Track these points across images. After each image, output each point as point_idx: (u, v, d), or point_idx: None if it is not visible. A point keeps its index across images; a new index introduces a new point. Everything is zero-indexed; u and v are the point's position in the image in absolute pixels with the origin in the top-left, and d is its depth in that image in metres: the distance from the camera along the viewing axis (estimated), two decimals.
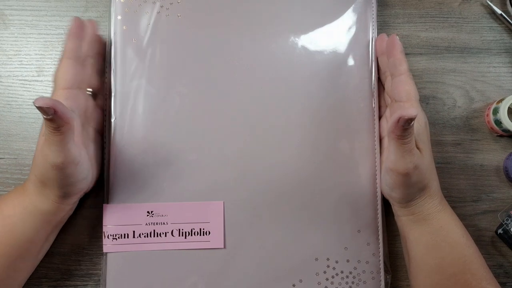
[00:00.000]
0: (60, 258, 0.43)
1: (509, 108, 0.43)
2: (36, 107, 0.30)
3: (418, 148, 0.37)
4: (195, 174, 0.42)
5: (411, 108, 0.34)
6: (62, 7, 0.46)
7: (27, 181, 0.38)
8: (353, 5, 0.44)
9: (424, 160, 0.37)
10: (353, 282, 0.42)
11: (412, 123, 0.33)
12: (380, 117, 0.43)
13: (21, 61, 0.45)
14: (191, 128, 0.42)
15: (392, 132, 0.34)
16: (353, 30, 0.44)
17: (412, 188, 0.37)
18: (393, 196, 0.39)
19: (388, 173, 0.38)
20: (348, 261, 0.42)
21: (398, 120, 0.32)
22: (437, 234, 0.38)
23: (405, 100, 0.38)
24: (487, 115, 0.45)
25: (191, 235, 0.41)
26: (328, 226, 0.42)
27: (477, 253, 0.38)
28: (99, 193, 0.44)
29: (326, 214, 0.42)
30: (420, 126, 0.38)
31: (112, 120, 0.42)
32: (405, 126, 0.33)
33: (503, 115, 0.42)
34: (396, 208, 0.40)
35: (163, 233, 0.41)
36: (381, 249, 0.42)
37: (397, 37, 0.39)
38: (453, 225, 0.38)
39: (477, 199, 0.45)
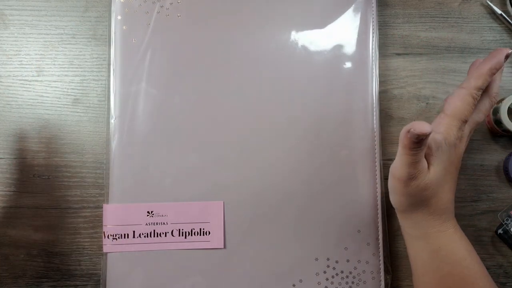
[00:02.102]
0: (60, 258, 0.43)
1: (509, 108, 0.43)
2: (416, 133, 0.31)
3: (428, 162, 0.35)
4: (195, 174, 0.42)
5: (425, 125, 0.30)
6: (62, 7, 0.46)
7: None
8: (353, 5, 0.44)
9: (428, 177, 0.35)
10: (353, 282, 0.42)
11: (423, 138, 0.31)
12: None
13: (21, 61, 0.45)
14: (191, 128, 0.42)
15: (401, 139, 0.33)
16: (353, 30, 0.44)
17: (407, 198, 0.36)
18: (391, 200, 0.38)
19: (390, 174, 0.37)
20: (348, 261, 0.42)
21: (409, 131, 0.31)
22: (436, 254, 0.37)
23: (447, 114, 0.36)
24: (487, 115, 0.45)
25: (191, 235, 0.41)
26: (328, 226, 0.42)
27: (479, 273, 0.37)
28: (99, 193, 0.44)
29: (326, 214, 0.42)
30: (445, 145, 0.35)
31: (112, 120, 0.42)
32: (413, 139, 0.31)
33: (503, 115, 0.42)
34: (398, 217, 0.40)
35: (163, 233, 0.41)
36: (381, 249, 0.42)
37: (480, 59, 0.36)
38: (454, 247, 0.37)
39: (477, 199, 0.45)
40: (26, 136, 0.45)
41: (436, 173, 0.35)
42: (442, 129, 0.35)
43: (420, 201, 0.36)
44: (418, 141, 0.31)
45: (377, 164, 0.42)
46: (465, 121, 0.36)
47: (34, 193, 0.44)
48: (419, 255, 0.38)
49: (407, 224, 0.39)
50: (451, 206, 0.38)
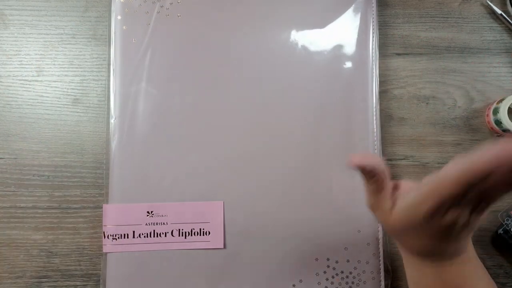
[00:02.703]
0: (60, 258, 0.43)
1: (509, 108, 0.43)
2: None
3: (394, 203, 0.29)
4: (195, 174, 0.42)
5: (357, 156, 0.30)
6: (62, 7, 0.46)
7: None
8: (353, 5, 0.44)
9: (390, 217, 0.29)
10: (353, 282, 0.42)
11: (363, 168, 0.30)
12: None
13: (21, 61, 0.45)
14: (191, 128, 0.42)
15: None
16: (353, 30, 0.44)
17: (384, 226, 0.31)
18: None
19: None
20: (348, 261, 0.42)
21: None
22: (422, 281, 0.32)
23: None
24: (487, 115, 0.45)
25: (191, 235, 0.41)
26: (328, 226, 0.42)
27: None
28: (99, 193, 0.44)
29: (326, 214, 0.42)
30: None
31: (112, 120, 0.42)
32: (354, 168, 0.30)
33: (503, 115, 0.42)
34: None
35: (163, 233, 0.41)
36: (381, 249, 0.42)
37: None
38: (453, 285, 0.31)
39: None
40: (26, 136, 0.45)
41: (402, 219, 0.29)
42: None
43: (397, 235, 0.31)
44: (362, 171, 0.30)
45: None
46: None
47: (34, 193, 0.44)
48: (409, 277, 0.34)
49: (399, 245, 0.34)
50: (437, 251, 0.30)
